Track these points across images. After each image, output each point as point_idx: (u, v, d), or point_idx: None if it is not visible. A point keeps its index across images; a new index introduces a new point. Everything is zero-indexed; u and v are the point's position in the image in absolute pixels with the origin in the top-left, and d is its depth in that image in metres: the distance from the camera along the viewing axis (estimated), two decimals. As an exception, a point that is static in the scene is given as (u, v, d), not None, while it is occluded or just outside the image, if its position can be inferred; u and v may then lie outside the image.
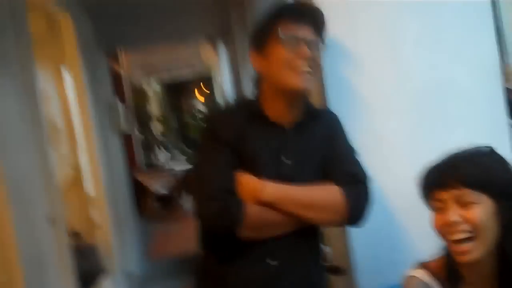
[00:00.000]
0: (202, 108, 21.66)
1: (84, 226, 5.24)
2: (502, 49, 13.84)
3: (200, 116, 17.90)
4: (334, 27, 2.15)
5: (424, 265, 1.69)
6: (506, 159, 1.64)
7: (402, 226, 2.31)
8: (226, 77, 10.91)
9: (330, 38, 2.11)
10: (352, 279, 2.35)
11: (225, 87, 12.18)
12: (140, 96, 12.41)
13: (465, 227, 1.53)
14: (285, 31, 1.91)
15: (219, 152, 1.96)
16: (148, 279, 6.75)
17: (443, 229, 1.57)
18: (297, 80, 1.91)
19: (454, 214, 1.54)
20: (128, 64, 10.89)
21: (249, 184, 1.93)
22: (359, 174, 2.01)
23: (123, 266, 5.86)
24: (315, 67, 1.95)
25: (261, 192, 1.90)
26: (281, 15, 1.95)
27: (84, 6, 5.89)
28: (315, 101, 2.25)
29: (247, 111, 2.01)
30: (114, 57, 9.09)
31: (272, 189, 1.91)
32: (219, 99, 14.45)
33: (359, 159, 2.07)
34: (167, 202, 11.01)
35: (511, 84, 8.38)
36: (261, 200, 1.90)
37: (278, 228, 1.94)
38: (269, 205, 1.91)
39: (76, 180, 5.24)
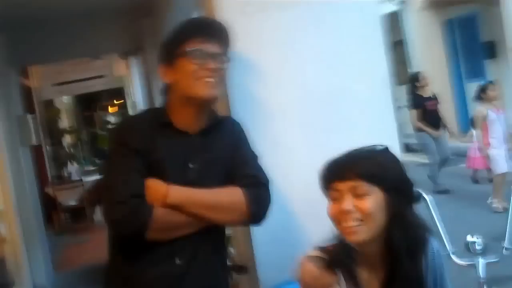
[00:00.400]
0: (113, 120, 21.46)
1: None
2: (406, 59, 14.53)
3: (111, 127, 17.78)
4: (239, 41, 2.32)
5: (320, 248, 1.85)
6: (398, 158, 1.84)
7: (301, 224, 2.48)
8: (137, 90, 10.99)
9: (236, 51, 2.28)
10: (255, 277, 2.49)
11: (136, 100, 12.22)
12: (50, 109, 12.28)
13: (357, 215, 1.70)
14: (192, 46, 2.05)
15: (127, 159, 2.04)
16: (57, 291, 6.79)
17: (338, 216, 1.74)
18: (203, 90, 2.05)
19: (349, 203, 1.71)
20: (38, 78, 10.80)
21: (155, 188, 2.02)
22: (260, 177, 2.14)
23: (32, 279, 5.87)
24: (220, 78, 2.10)
25: (166, 196, 2.00)
26: (189, 31, 2.10)
27: (-5, 21, 5.93)
28: (220, 109, 2.42)
29: (154, 119, 2.12)
30: (24, 71, 9.04)
31: (177, 193, 2.02)
32: (130, 111, 14.43)
33: (260, 164, 2.20)
34: (77, 214, 10.89)
35: (423, 92, 8.95)
36: (167, 203, 2.00)
37: (184, 229, 2.05)
38: (174, 207, 2.01)
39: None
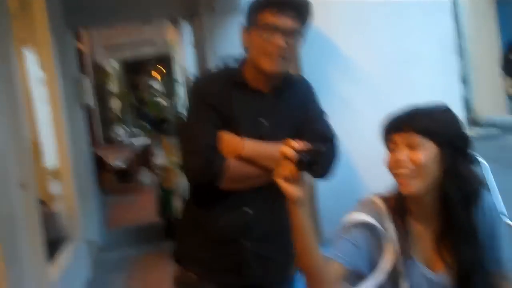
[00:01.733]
0: (158, 87, 21.65)
1: (45, 196, 5.45)
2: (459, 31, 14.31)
3: (157, 93, 17.88)
4: (314, 6, 2.43)
5: (379, 195, 1.97)
6: (457, 117, 1.92)
7: (365, 181, 2.60)
8: (188, 56, 11.07)
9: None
10: (318, 231, 2.60)
11: (186, 66, 12.33)
12: (100, 73, 12.49)
13: (409, 165, 1.81)
14: (265, 18, 2.11)
15: (205, 113, 2.19)
16: (108, 246, 7.02)
17: (393, 166, 1.85)
18: (269, 65, 2.14)
19: (403, 154, 1.82)
20: (90, 41, 11.01)
21: (230, 141, 2.17)
22: (328, 132, 2.27)
23: (85, 234, 6.10)
24: (289, 54, 2.16)
25: (240, 148, 2.15)
26: (266, 3, 2.14)
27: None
28: (292, 69, 2.49)
29: (231, 78, 2.24)
30: (77, 34, 9.24)
31: (250, 146, 2.17)
32: (178, 78, 14.55)
33: (328, 121, 2.32)
34: (125, 176, 11.22)
35: None
36: (241, 155, 2.15)
37: (255, 180, 2.19)
38: (247, 160, 2.16)
39: (35, 152, 5.43)
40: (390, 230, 1.89)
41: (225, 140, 2.18)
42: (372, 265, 1.89)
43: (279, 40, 2.12)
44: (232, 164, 2.16)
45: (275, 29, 2.12)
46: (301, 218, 1.75)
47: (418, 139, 1.82)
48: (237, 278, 2.27)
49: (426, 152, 1.82)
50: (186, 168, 2.23)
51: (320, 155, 1.72)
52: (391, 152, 1.89)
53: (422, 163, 1.82)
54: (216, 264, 2.29)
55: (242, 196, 2.23)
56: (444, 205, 1.88)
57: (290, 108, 2.28)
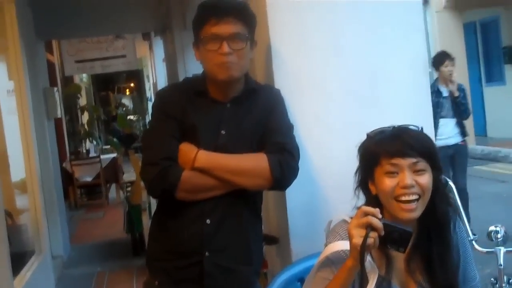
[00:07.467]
0: (128, 100, 21.57)
1: (11, 208, 5.33)
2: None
3: (126, 108, 17.79)
4: (286, 22, 2.50)
5: (351, 217, 1.87)
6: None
7: (335, 197, 2.49)
8: (159, 72, 11.04)
9: (282, 30, 2.50)
10: (288, 248, 2.56)
11: (156, 81, 12.29)
12: (70, 85, 12.37)
13: (416, 190, 1.80)
14: (207, 31, 2.18)
15: (164, 124, 2.23)
16: (73, 262, 6.94)
17: (396, 191, 1.82)
18: (220, 73, 2.18)
19: (409, 178, 1.80)
20: (61, 54, 10.91)
21: (186, 152, 2.20)
22: (287, 144, 2.22)
23: (50, 249, 5.95)
24: (238, 58, 2.19)
25: (194, 160, 2.17)
26: (203, 15, 2.21)
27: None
28: (261, 79, 2.54)
29: (192, 88, 2.29)
30: (48, 46, 9.14)
31: (203, 157, 2.18)
32: (148, 93, 14.51)
33: (290, 132, 2.29)
34: (92, 191, 11.10)
35: None
36: (194, 167, 2.18)
37: (212, 191, 2.21)
38: (202, 171, 2.18)
39: (2, 164, 5.33)
40: (369, 256, 1.83)
41: (181, 151, 2.21)
42: None
43: (224, 48, 2.16)
44: (187, 175, 2.18)
45: (217, 38, 2.17)
46: (349, 277, 1.76)
47: (421, 163, 1.82)
48: None
49: (428, 176, 1.83)
50: (143, 179, 2.26)
51: (408, 236, 1.72)
52: (390, 175, 1.84)
53: (427, 187, 1.82)
54: (179, 275, 2.29)
55: (203, 207, 2.24)
56: (421, 226, 1.88)
57: (251, 118, 2.28)
